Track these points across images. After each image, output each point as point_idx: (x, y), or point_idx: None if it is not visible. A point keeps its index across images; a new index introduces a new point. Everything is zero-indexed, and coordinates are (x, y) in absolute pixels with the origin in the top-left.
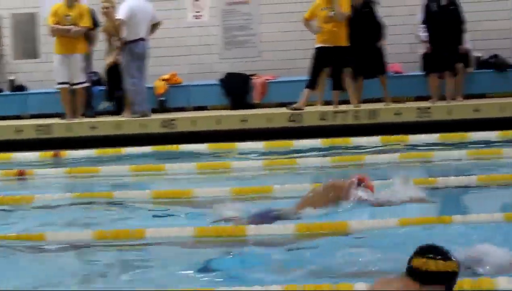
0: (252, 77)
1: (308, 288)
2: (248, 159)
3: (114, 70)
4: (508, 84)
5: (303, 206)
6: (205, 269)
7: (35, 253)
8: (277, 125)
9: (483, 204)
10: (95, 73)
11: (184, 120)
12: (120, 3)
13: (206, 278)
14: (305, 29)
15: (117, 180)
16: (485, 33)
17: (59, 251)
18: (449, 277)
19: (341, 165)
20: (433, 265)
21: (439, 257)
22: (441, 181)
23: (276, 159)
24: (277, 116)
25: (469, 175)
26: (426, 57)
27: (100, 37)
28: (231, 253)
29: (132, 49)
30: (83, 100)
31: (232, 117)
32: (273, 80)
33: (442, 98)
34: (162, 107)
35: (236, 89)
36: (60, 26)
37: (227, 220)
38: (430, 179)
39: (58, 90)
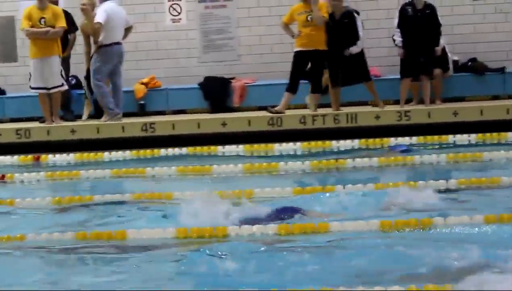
0: (231, 80)
1: None
2: (228, 162)
3: None
4: (486, 87)
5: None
6: (187, 269)
7: (15, 255)
8: (257, 129)
9: (463, 207)
10: (74, 77)
11: (164, 124)
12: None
13: (189, 279)
14: (284, 33)
15: (98, 183)
16: (463, 37)
17: (40, 253)
18: None
19: (321, 168)
20: None
21: None
22: (421, 184)
23: (256, 162)
24: (257, 119)
25: (448, 179)
26: (401, 61)
27: (79, 40)
28: (212, 254)
29: (108, 52)
30: (58, 104)
31: (211, 121)
32: (252, 84)
33: (421, 101)
34: (141, 111)
35: (216, 92)
36: (36, 29)
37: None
38: (411, 182)
39: (36, 94)
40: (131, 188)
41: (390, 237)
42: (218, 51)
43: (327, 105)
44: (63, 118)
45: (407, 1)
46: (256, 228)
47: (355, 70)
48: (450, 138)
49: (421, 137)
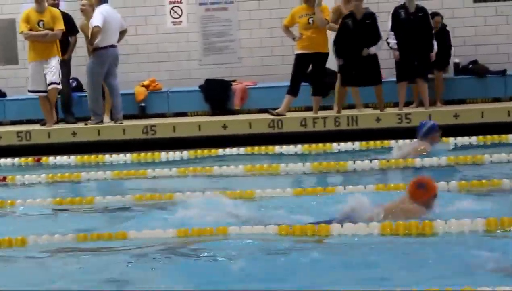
0: (232, 83)
1: None
2: (229, 164)
3: None
4: (487, 90)
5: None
6: (188, 270)
7: (17, 257)
8: (258, 131)
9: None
10: (75, 79)
11: (164, 126)
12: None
13: (189, 279)
14: (284, 35)
15: (98, 185)
16: (464, 39)
17: (41, 255)
18: None
19: (322, 170)
20: None
21: None
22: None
23: (257, 164)
24: (258, 122)
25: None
26: (397, 64)
27: (80, 42)
28: (212, 254)
29: (103, 55)
30: (54, 102)
31: (212, 123)
32: (253, 86)
33: (421, 103)
34: (142, 114)
35: (216, 95)
36: (35, 32)
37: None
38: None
39: (37, 97)
40: (132, 190)
41: (391, 240)
42: (219, 53)
43: (329, 108)
44: (64, 120)
45: (399, 4)
46: (257, 229)
47: (368, 72)
48: (451, 140)
49: None
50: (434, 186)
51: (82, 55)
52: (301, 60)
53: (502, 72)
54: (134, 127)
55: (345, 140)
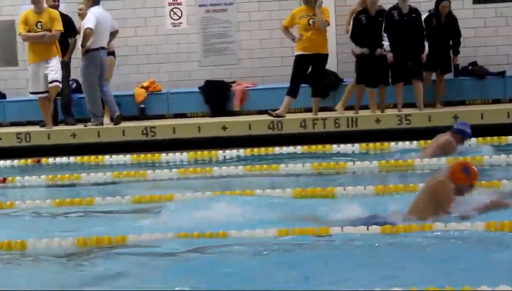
0: (232, 84)
1: None
2: (228, 166)
3: None
4: (487, 91)
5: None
6: (189, 273)
7: (16, 260)
8: (257, 133)
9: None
10: (75, 80)
11: (164, 127)
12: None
13: (189, 281)
14: (284, 37)
15: (98, 186)
16: (463, 41)
17: (41, 258)
18: None
19: (321, 171)
20: None
21: None
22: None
23: (257, 165)
24: (257, 123)
25: None
26: (392, 66)
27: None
28: (212, 256)
29: (96, 57)
30: (53, 99)
31: (212, 125)
32: (252, 88)
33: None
34: (142, 115)
35: (216, 96)
36: (33, 34)
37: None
38: (411, 185)
39: (36, 98)
40: (132, 191)
41: (390, 242)
42: (218, 55)
43: (329, 109)
44: (64, 122)
45: (392, 6)
46: (258, 232)
47: (380, 72)
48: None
49: (422, 142)
50: (477, 175)
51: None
52: (301, 62)
53: (502, 74)
54: (134, 129)
55: (345, 141)
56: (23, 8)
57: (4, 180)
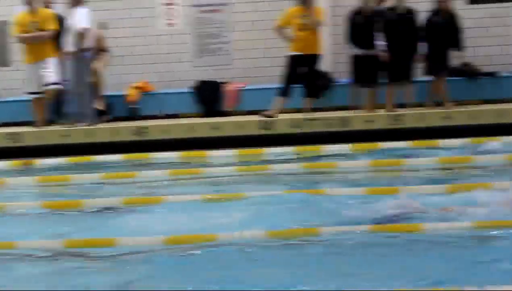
0: (224, 85)
1: None
2: (220, 166)
3: None
4: (479, 91)
5: None
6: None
7: (4, 262)
8: (249, 133)
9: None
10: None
11: (156, 128)
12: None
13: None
14: (277, 37)
15: (89, 187)
16: None
17: (30, 260)
18: None
19: (313, 171)
20: None
21: None
22: (415, 189)
23: (248, 166)
24: (249, 123)
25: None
26: (385, 66)
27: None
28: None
29: (85, 57)
30: (49, 103)
31: (204, 125)
32: (245, 88)
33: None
34: (134, 115)
35: (208, 97)
36: (28, 34)
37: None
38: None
39: (30, 98)
40: (123, 191)
41: (379, 242)
42: (212, 55)
43: (321, 110)
44: (56, 122)
45: (389, 6)
46: (246, 233)
47: (374, 72)
48: (443, 142)
49: (415, 141)
50: None
51: None
52: (294, 62)
53: (494, 74)
54: (126, 129)
55: (337, 142)
56: (15, 8)
57: None
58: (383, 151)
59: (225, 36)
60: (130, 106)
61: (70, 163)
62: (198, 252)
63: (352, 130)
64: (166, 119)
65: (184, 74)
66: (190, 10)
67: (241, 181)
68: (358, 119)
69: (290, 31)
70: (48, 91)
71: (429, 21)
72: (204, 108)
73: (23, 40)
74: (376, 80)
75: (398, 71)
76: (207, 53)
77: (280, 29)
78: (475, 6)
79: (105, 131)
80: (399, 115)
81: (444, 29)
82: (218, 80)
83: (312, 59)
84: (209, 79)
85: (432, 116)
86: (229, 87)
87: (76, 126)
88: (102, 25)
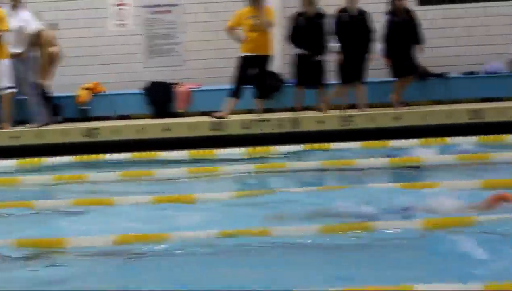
0: (176, 86)
1: None
2: (171, 167)
3: None
4: (429, 92)
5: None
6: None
7: None
8: (200, 134)
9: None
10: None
11: (107, 129)
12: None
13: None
14: (229, 38)
15: (39, 189)
16: None
17: None
18: None
19: (263, 171)
20: None
21: None
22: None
23: (199, 167)
24: (200, 124)
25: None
26: (338, 67)
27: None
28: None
29: (29, 58)
30: (9, 108)
31: (155, 126)
32: (196, 89)
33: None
34: (85, 117)
35: (160, 98)
36: None
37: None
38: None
39: None
40: (73, 193)
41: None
42: (163, 56)
43: (272, 110)
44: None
45: (341, 8)
46: (199, 234)
47: (316, 75)
48: (392, 142)
49: (365, 142)
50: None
51: None
52: (245, 62)
53: (444, 75)
54: (76, 130)
55: (288, 142)
56: None
57: None
58: (333, 151)
59: (177, 37)
60: (80, 107)
61: (19, 165)
62: (147, 252)
63: (303, 131)
64: (116, 121)
65: (136, 75)
66: (141, 11)
67: (192, 182)
68: (309, 120)
69: (241, 32)
70: (4, 95)
71: (389, 22)
72: (156, 109)
73: None
74: (320, 82)
75: (350, 72)
76: (159, 54)
77: (231, 30)
78: (426, 7)
79: (55, 132)
80: (350, 116)
81: (405, 28)
82: (170, 82)
83: (263, 60)
84: (160, 81)
85: (382, 117)
86: (181, 88)
87: (26, 128)
88: (53, 26)
